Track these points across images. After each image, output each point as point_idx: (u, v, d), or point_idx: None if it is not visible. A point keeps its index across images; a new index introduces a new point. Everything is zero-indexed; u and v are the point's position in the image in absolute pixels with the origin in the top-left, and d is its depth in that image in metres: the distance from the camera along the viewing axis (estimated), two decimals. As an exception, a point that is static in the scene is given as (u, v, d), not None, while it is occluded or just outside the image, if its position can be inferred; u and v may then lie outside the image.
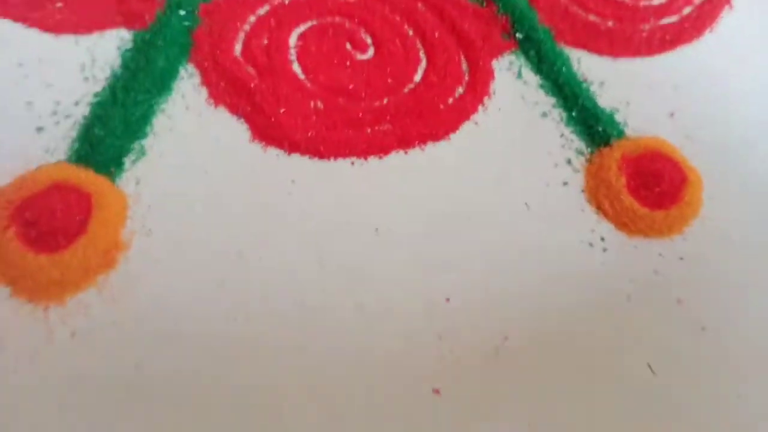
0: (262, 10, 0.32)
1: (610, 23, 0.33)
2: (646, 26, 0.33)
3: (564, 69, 0.31)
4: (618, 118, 0.31)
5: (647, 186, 0.28)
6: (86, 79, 0.29)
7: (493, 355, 0.25)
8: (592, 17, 0.33)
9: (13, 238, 0.25)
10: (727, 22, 0.34)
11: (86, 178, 0.26)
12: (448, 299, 0.26)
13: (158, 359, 0.24)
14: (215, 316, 0.24)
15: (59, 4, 0.31)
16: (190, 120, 0.29)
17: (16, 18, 0.30)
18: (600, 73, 0.32)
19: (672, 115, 0.31)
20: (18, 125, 0.28)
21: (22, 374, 0.23)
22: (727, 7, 0.35)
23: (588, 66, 0.32)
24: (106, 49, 0.30)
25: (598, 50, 0.32)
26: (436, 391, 0.23)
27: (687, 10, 0.34)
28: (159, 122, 0.29)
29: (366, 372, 0.23)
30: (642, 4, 0.34)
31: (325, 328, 0.25)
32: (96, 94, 0.29)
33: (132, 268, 0.25)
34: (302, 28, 0.31)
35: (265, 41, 0.31)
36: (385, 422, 0.23)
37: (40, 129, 0.28)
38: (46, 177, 0.26)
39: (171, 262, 0.26)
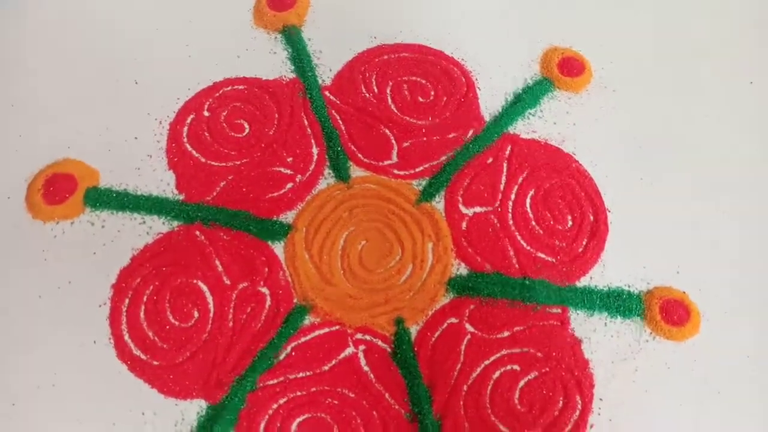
0: (282, 400, 0.56)
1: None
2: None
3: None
4: None
5: None
6: (176, 432, 0.54)
7: None
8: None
9: None
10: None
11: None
12: None
13: None
14: None
15: (171, 376, 0.56)
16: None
17: (146, 380, 0.56)
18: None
19: None
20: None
21: None
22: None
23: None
24: (190, 412, 0.54)
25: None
26: None
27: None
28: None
29: None
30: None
31: None
32: (182, 443, 0.54)
33: None
34: (302, 418, 0.55)
35: (279, 424, 0.55)
36: None
37: (146, 457, 0.53)
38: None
39: None
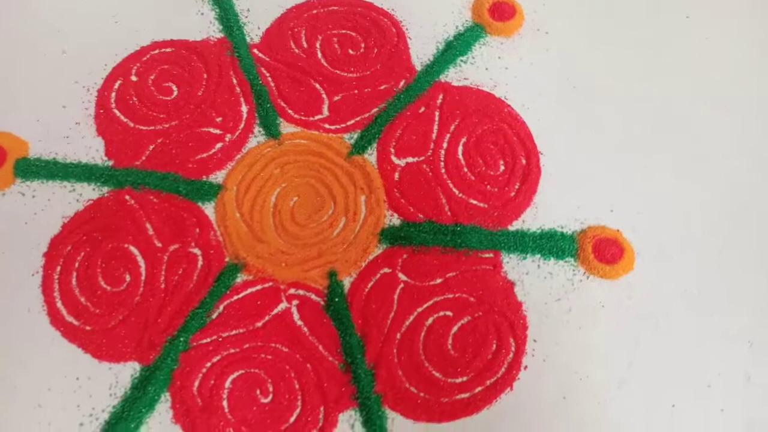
0: (216, 358, 0.56)
1: (422, 394, 0.56)
2: (445, 399, 0.56)
3: (380, 428, 0.54)
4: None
5: None
6: (111, 395, 0.55)
7: None
8: (413, 389, 0.56)
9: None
10: (505, 402, 0.56)
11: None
12: None
13: None
14: None
15: (104, 340, 0.56)
16: (161, 434, 0.54)
17: (79, 345, 0.56)
18: (401, 436, 0.54)
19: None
20: (68, 419, 0.54)
21: None
22: (508, 389, 0.56)
23: (398, 427, 0.55)
24: (124, 375, 0.55)
25: (407, 415, 0.55)
26: None
27: (478, 389, 0.56)
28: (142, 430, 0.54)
29: None
30: (449, 381, 0.56)
31: None
32: (113, 407, 0.54)
33: None
34: (236, 374, 0.56)
35: (212, 382, 0.55)
36: None
37: (81, 425, 0.54)
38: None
39: None
